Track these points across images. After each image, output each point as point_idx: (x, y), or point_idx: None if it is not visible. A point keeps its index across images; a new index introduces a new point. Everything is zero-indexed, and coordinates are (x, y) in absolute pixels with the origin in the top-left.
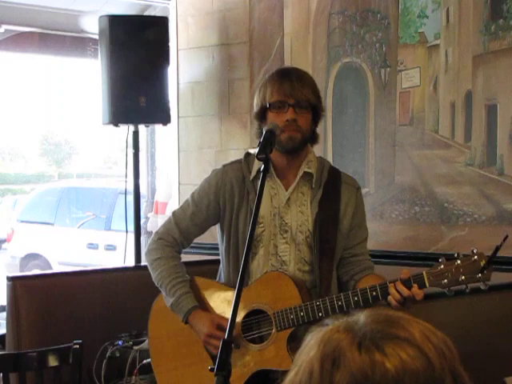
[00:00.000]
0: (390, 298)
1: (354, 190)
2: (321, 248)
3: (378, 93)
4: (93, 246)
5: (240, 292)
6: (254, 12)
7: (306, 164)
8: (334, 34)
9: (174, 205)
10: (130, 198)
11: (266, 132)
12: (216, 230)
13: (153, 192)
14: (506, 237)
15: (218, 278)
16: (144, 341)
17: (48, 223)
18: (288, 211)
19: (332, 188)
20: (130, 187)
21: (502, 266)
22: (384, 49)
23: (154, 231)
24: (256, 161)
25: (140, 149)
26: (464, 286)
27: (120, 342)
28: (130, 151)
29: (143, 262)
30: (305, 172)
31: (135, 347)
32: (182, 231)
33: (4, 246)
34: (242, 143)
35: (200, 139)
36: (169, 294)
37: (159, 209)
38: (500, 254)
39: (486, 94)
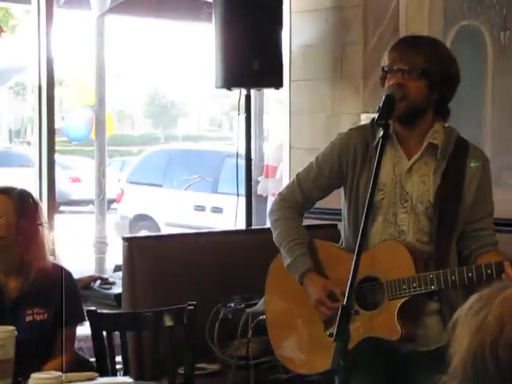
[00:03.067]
0: (504, 276)
1: (482, 163)
2: (440, 220)
3: (497, 57)
4: (200, 208)
5: (359, 259)
6: None
7: (432, 135)
8: None
9: (284, 168)
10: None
11: (386, 97)
12: (339, 195)
13: (261, 156)
14: None
15: (340, 242)
16: (256, 303)
17: (156, 185)
18: (409, 180)
19: (458, 160)
20: (234, 150)
21: None
22: (504, 11)
23: (264, 194)
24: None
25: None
26: None
27: (232, 304)
28: (242, 115)
29: (254, 225)
30: (430, 143)
31: (247, 310)
32: (304, 193)
33: (113, 206)
34: (354, 108)
35: (312, 103)
36: (287, 254)
37: (269, 172)
38: None
39: None
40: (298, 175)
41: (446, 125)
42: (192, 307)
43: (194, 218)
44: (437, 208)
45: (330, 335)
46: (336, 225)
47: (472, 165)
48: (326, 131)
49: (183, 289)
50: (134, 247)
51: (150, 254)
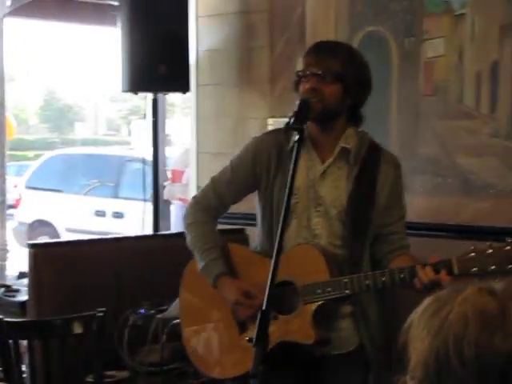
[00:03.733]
0: (415, 280)
1: (393, 167)
2: (353, 224)
3: (402, 63)
4: (100, 213)
5: (277, 263)
6: None
7: (345, 139)
8: (357, 2)
9: (191, 173)
10: (138, 166)
11: (300, 101)
12: (247, 199)
13: (163, 160)
14: None
15: (254, 246)
16: (166, 309)
17: (56, 190)
18: (323, 184)
19: (370, 164)
20: (138, 154)
21: None
22: (408, 18)
23: (170, 199)
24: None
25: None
26: (493, 277)
27: (142, 311)
28: (142, 119)
29: (161, 231)
30: (343, 147)
31: (158, 315)
32: (218, 197)
33: (9, 212)
34: (261, 112)
35: (219, 108)
36: (200, 258)
37: (176, 177)
38: None
39: None
40: (212, 179)
41: (359, 129)
42: (101, 314)
43: (94, 224)
44: (350, 212)
45: (250, 340)
46: (243, 229)
47: (384, 169)
48: (233, 136)
49: (91, 295)
50: (40, 254)
51: (56, 260)
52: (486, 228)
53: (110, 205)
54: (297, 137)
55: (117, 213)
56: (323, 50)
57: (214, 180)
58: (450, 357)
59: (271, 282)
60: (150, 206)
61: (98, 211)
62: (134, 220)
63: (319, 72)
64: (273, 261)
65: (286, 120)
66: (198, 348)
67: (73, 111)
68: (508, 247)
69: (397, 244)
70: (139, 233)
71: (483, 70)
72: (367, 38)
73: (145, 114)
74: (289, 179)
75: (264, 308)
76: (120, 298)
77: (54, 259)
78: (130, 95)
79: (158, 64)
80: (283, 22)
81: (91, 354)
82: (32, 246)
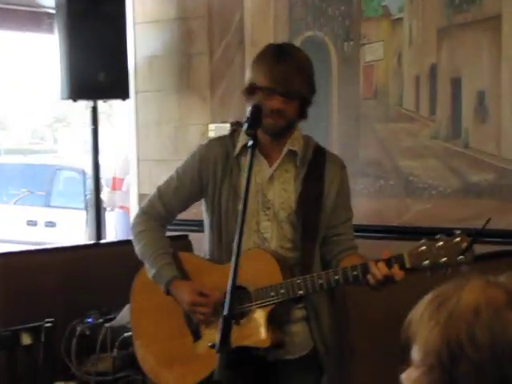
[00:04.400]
0: (369, 277)
1: (340, 168)
2: (303, 226)
3: (341, 67)
4: (32, 223)
5: (237, 266)
6: None
7: (291, 142)
8: (296, 8)
9: (132, 181)
10: (70, 174)
11: (253, 107)
12: (199, 206)
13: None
14: (489, 220)
15: (203, 254)
16: (114, 317)
17: None
18: (271, 188)
19: (316, 166)
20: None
21: None
22: (347, 22)
23: (110, 207)
24: (241, 136)
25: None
26: (445, 268)
27: (90, 320)
28: (89, 127)
29: (103, 239)
30: (289, 150)
31: (106, 324)
32: (165, 206)
33: None
34: (202, 118)
35: (159, 114)
36: (151, 265)
37: (117, 185)
38: (467, 226)
39: (451, 67)
40: (158, 188)
41: (303, 133)
42: (50, 324)
43: (26, 233)
44: (299, 214)
45: (213, 346)
46: (187, 235)
47: (331, 171)
48: (174, 142)
49: (34, 307)
50: None
51: (0, 271)
52: (429, 229)
53: (42, 214)
54: (250, 142)
55: (49, 222)
56: (287, 66)
57: (160, 189)
58: (463, 344)
59: (232, 286)
60: (83, 214)
61: (29, 221)
62: (66, 229)
63: (285, 92)
64: (232, 264)
65: (227, 125)
66: (151, 358)
67: None
68: (457, 239)
69: (345, 245)
70: (73, 241)
71: (422, 73)
72: (306, 42)
73: (69, 122)
74: (244, 184)
75: (226, 313)
76: (66, 308)
77: None
78: (53, 103)
79: (97, 71)
80: (222, 27)
81: (40, 365)
82: None
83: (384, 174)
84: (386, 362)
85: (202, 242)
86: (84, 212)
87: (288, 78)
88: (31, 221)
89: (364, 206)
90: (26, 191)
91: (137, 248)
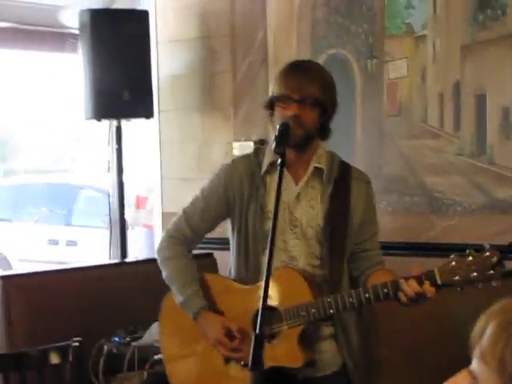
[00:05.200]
0: (400, 294)
1: (365, 184)
2: (331, 243)
3: (365, 84)
4: (53, 242)
5: (267, 286)
6: (235, 4)
7: (317, 159)
8: (319, 26)
9: (156, 199)
10: (92, 193)
11: (281, 125)
12: (223, 224)
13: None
14: None
15: (228, 272)
16: (141, 336)
17: (5, 220)
18: (298, 206)
19: (342, 183)
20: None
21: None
22: (370, 40)
23: (134, 226)
24: (266, 155)
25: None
26: (476, 283)
27: (117, 339)
28: (111, 147)
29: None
30: (315, 167)
31: (133, 343)
32: (192, 228)
33: None
34: (225, 137)
35: (182, 133)
36: (179, 293)
37: (140, 203)
38: (493, 242)
39: (475, 84)
40: (184, 210)
41: (327, 150)
42: (77, 343)
43: (47, 252)
44: (327, 231)
45: (245, 365)
46: (212, 254)
47: (356, 187)
48: (197, 161)
49: (62, 326)
50: (10, 285)
51: (25, 291)
52: (454, 245)
53: (63, 233)
54: (279, 160)
55: (70, 241)
56: (302, 74)
57: (185, 211)
58: None
59: (263, 306)
60: (104, 233)
61: (50, 240)
62: (87, 248)
63: (300, 98)
64: (263, 284)
65: (251, 143)
66: (183, 378)
67: (13, 140)
68: (487, 254)
69: (373, 260)
70: (97, 260)
71: (445, 90)
72: (329, 60)
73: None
74: (273, 203)
75: (257, 332)
76: (92, 328)
77: (23, 289)
78: (73, 122)
79: (121, 90)
80: (245, 45)
81: None
82: (1, 278)
83: (409, 191)
84: (414, 376)
85: (226, 260)
86: (105, 231)
87: (303, 84)
88: (52, 240)
89: (389, 223)
90: (45, 210)
91: (164, 274)
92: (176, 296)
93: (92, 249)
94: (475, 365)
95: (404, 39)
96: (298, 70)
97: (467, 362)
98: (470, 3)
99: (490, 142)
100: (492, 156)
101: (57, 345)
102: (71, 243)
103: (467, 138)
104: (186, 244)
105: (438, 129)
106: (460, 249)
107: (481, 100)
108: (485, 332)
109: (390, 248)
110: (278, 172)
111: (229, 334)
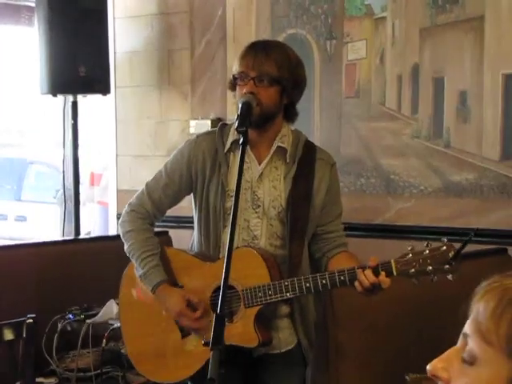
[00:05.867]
0: (356, 283)
1: (329, 165)
2: (293, 224)
3: (324, 65)
4: (2, 217)
5: (229, 265)
6: None
7: (280, 138)
8: (278, 5)
9: (111, 176)
10: (41, 168)
11: (243, 104)
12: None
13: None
14: (476, 230)
15: (190, 246)
16: (96, 314)
17: None
18: (261, 185)
19: (306, 163)
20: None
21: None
22: (330, 20)
23: (88, 202)
24: (230, 133)
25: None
26: (431, 276)
27: (71, 316)
28: (68, 122)
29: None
30: (278, 147)
31: (88, 320)
32: (154, 203)
33: None
34: (182, 115)
35: (139, 110)
36: (139, 266)
37: (95, 180)
38: (448, 224)
39: (433, 67)
40: (147, 185)
41: (292, 128)
42: (31, 320)
43: None
44: (289, 212)
45: (206, 344)
46: (167, 232)
47: (320, 168)
48: (153, 138)
49: (15, 303)
50: None
51: None
52: (409, 227)
53: (12, 208)
54: (241, 139)
55: (20, 216)
56: (258, 53)
57: (148, 186)
58: None
59: (224, 285)
60: (56, 209)
61: None
62: (37, 223)
63: (256, 76)
64: (225, 264)
65: (208, 122)
66: (140, 351)
67: None
68: (444, 248)
69: (335, 242)
70: (46, 236)
71: (404, 73)
72: (289, 40)
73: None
74: (235, 181)
75: (219, 312)
76: (46, 305)
77: None
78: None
79: (77, 66)
80: (203, 23)
81: (21, 361)
82: None
83: (365, 173)
84: (373, 361)
85: (182, 238)
86: (56, 206)
87: (259, 62)
88: (1, 215)
89: (345, 204)
90: None
91: (126, 247)
92: (136, 269)
93: (42, 224)
94: (474, 345)
95: (363, 21)
96: (257, 48)
97: (430, 343)
98: None
99: (447, 125)
100: (448, 139)
101: (10, 321)
102: (21, 218)
103: (424, 120)
104: (148, 218)
105: (395, 111)
106: (415, 231)
107: (439, 83)
108: (480, 310)
109: (346, 229)
110: (240, 151)
111: (190, 306)
